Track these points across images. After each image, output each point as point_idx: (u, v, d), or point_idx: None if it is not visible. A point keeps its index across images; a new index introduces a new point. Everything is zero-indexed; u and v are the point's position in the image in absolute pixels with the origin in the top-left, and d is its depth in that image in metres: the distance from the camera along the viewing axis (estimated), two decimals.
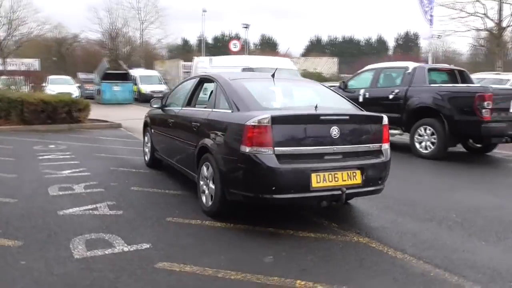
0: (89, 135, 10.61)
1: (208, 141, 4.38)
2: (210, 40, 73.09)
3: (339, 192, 3.91)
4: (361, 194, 4.19)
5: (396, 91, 8.85)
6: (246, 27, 28.77)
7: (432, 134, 8.06)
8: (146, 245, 3.60)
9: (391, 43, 76.57)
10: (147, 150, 6.87)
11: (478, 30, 24.83)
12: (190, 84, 5.55)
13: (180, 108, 5.45)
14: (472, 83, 9.44)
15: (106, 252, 3.44)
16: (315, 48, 74.42)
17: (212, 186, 4.30)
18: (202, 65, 19.96)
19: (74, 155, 7.68)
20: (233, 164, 3.96)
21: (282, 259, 3.43)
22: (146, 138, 6.93)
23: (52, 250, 3.45)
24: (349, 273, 3.21)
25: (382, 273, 3.23)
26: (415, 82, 8.67)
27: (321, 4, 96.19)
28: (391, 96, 8.90)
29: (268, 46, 71.52)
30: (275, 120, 3.77)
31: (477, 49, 62.80)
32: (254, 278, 3.07)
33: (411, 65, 9.02)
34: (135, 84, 23.65)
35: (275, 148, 3.77)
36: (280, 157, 3.76)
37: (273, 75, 4.93)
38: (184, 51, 63.39)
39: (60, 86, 21.28)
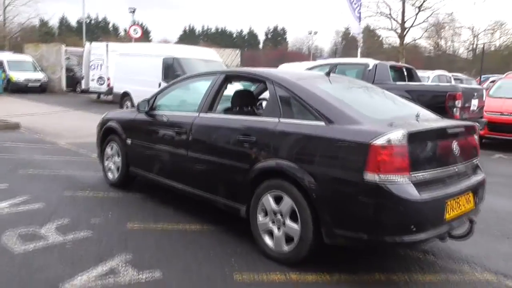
0: None
1: (284, 164, 3.19)
2: (74, 23, 66.25)
3: (467, 221, 3.20)
4: None
5: None
6: (132, 12, 26.05)
7: None
8: None
9: (261, 37, 79.67)
10: (111, 165, 5.18)
11: (386, 29, 26.57)
12: (207, 83, 4.17)
13: (196, 113, 4.04)
14: (420, 80, 9.59)
15: None
16: (189, 37, 73.08)
17: (292, 225, 3.15)
18: (97, 51, 17.54)
19: None
20: (348, 198, 2.89)
21: None
22: (109, 150, 5.21)
23: None
24: None
25: None
26: (378, 79, 8.38)
27: None
28: None
29: (142, 36, 67.64)
30: (412, 137, 2.83)
31: (337, 45, 69.18)
32: None
33: (370, 62, 8.73)
34: (3, 70, 19.52)
35: (412, 174, 2.83)
36: (417, 185, 2.84)
37: (328, 73, 3.94)
38: (42, 33, 56.03)
39: None
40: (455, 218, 3.10)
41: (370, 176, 2.77)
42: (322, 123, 3.10)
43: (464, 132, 3.39)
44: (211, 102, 4.00)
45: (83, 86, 18.19)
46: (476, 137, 3.65)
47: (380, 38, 37.37)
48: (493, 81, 14.75)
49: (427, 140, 3.00)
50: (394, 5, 25.48)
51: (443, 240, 3.20)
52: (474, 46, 49.83)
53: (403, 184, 2.78)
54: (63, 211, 4.21)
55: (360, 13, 12.64)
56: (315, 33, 45.87)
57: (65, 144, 7.94)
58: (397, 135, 2.78)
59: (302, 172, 3.08)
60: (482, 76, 25.76)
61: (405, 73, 9.40)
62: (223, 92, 4.08)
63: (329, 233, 2.99)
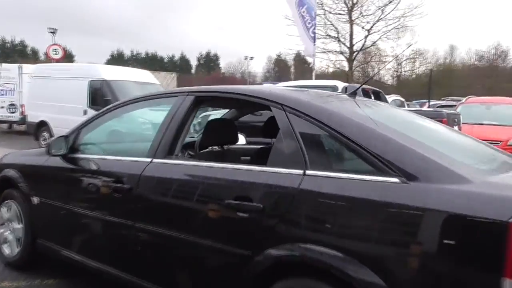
0: None
1: (319, 251, 1.76)
2: None
3: None
4: None
5: None
6: (53, 32, 23.61)
7: None
8: None
9: (193, 62, 78.92)
10: (9, 235, 3.41)
11: (335, 52, 26.28)
12: (162, 110, 2.65)
13: (146, 159, 2.49)
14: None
15: None
16: (117, 62, 70.12)
17: None
18: (8, 74, 15.05)
19: None
20: None
21: None
22: (4, 212, 3.43)
23: None
24: None
25: None
26: None
27: (122, 19, 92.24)
28: None
29: (64, 57, 63.80)
30: None
31: (270, 71, 70.34)
32: None
33: (339, 84, 7.70)
34: None
35: None
36: None
37: (354, 94, 2.62)
38: None
39: None
40: None
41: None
42: (395, 180, 1.71)
43: None
44: (172, 141, 2.47)
45: None
46: None
47: (310, 65, 37.72)
48: (441, 106, 14.57)
49: None
50: (342, 27, 25.43)
51: None
52: (398, 73, 52.70)
53: None
54: None
55: (314, 33, 11.79)
56: (251, 58, 45.56)
57: None
58: None
59: (358, 269, 1.67)
60: (416, 101, 26.43)
61: (373, 97, 8.51)
62: (191, 124, 2.59)
63: None
